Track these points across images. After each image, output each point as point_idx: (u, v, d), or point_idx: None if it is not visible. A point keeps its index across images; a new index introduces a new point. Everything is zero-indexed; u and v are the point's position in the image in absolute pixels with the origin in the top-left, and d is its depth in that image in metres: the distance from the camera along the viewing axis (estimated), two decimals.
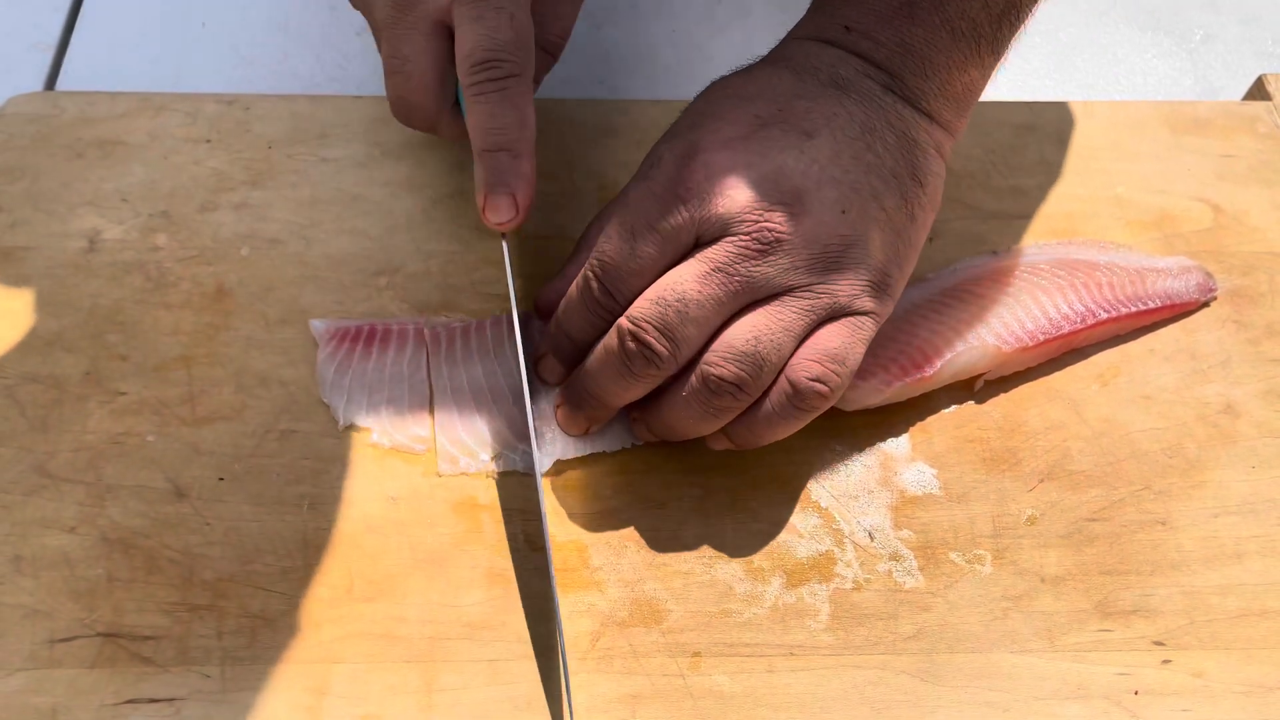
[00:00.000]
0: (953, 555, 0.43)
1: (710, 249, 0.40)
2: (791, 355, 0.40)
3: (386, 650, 0.40)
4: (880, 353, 0.44)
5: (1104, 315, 0.47)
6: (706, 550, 0.43)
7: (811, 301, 0.40)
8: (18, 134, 0.51)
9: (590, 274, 0.41)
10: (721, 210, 0.39)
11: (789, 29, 0.46)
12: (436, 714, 0.39)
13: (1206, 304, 0.50)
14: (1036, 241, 0.50)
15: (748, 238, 0.39)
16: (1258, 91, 0.57)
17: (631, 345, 0.40)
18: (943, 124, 0.43)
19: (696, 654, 0.41)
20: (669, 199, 0.40)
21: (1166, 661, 0.41)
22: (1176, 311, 0.49)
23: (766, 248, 0.39)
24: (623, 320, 0.40)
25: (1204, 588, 0.43)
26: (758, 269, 0.39)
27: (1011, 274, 0.48)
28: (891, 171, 0.41)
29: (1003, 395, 0.47)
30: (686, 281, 0.39)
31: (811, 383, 0.40)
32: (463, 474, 0.44)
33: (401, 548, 0.42)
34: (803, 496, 0.44)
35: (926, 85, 0.42)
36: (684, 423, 0.41)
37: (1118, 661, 0.41)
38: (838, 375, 0.40)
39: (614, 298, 0.41)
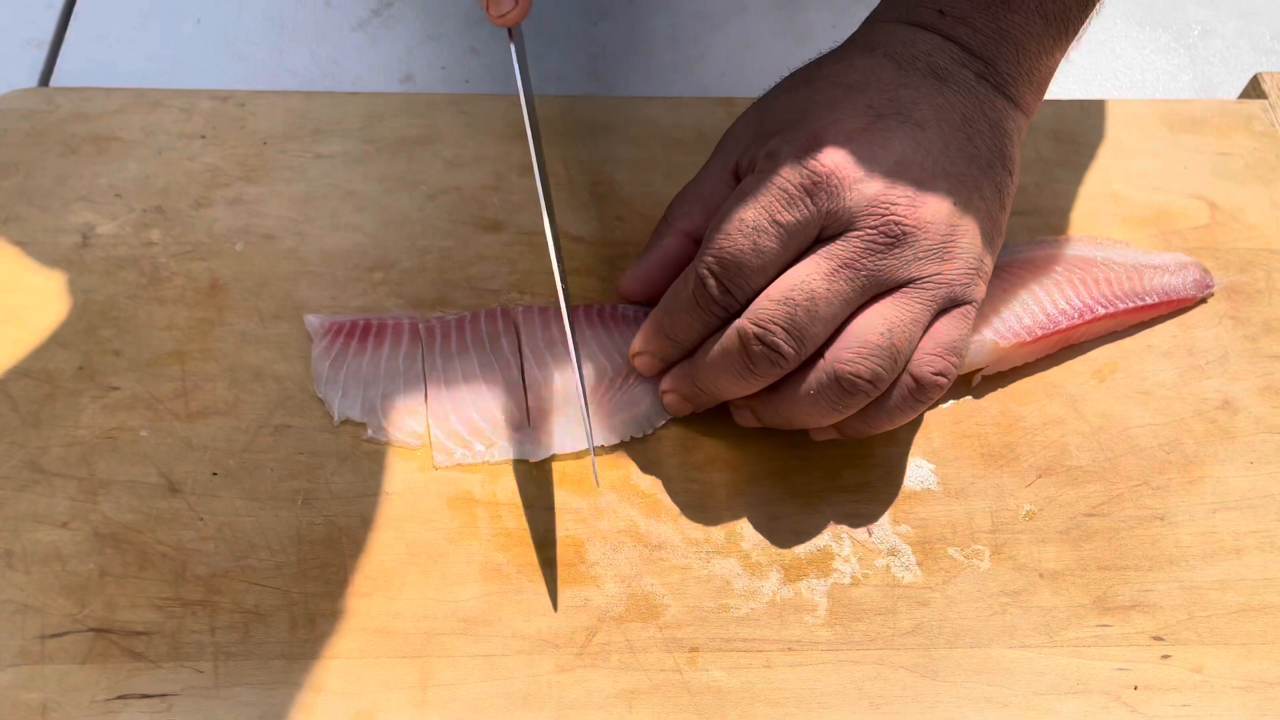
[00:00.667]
0: (951, 550, 0.43)
1: (837, 244, 0.39)
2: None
3: (381, 645, 0.40)
4: None
5: (1101, 311, 0.47)
6: (704, 545, 0.42)
7: (934, 292, 0.40)
8: (11, 130, 0.51)
9: (707, 271, 0.40)
10: (849, 204, 0.39)
11: (786, 26, 0.46)
12: (431, 709, 0.39)
13: (1204, 300, 0.49)
14: (1034, 238, 0.50)
15: (875, 231, 0.39)
16: (1253, 90, 0.57)
17: (757, 348, 0.39)
18: (1024, 109, 0.43)
19: (694, 649, 0.40)
20: (793, 193, 0.39)
21: (1166, 657, 0.41)
22: (1174, 308, 0.49)
23: (892, 240, 0.39)
24: (745, 323, 0.40)
25: (1203, 583, 0.43)
26: (884, 262, 0.39)
27: (1009, 271, 0.47)
28: (987, 162, 0.41)
29: (1001, 391, 0.47)
30: (814, 279, 0.39)
31: (935, 376, 0.40)
32: (458, 466, 0.43)
33: (396, 542, 0.42)
34: (801, 491, 0.44)
35: (1017, 71, 0.42)
36: (808, 417, 0.41)
37: (1117, 657, 0.41)
38: (956, 367, 0.41)
39: (734, 296, 0.40)
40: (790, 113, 0.42)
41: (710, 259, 0.40)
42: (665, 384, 0.44)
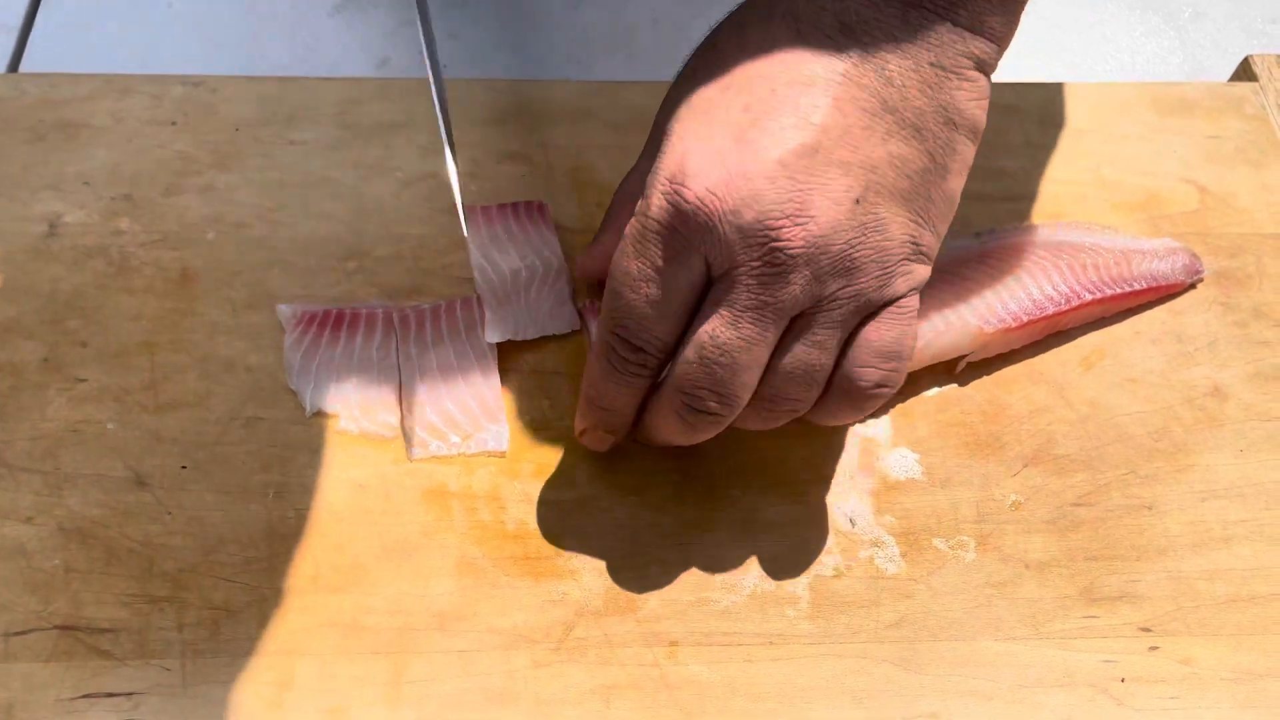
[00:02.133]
0: (935, 541, 0.42)
1: (729, 289, 0.36)
2: (843, 356, 0.37)
3: (353, 641, 0.39)
4: None
5: (1089, 297, 0.46)
6: (684, 538, 0.42)
7: (843, 309, 0.36)
8: None
9: (612, 335, 0.38)
10: (727, 237, 0.35)
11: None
12: (405, 706, 0.38)
13: (1193, 286, 0.49)
14: (1021, 223, 0.49)
15: (759, 264, 0.35)
16: (1244, 72, 0.56)
17: (693, 417, 0.37)
18: (986, 34, 0.36)
19: (673, 643, 0.40)
20: (668, 237, 0.36)
21: (1153, 648, 0.40)
22: (1162, 293, 0.48)
23: (781, 268, 0.35)
24: (674, 394, 0.37)
25: (1191, 573, 0.42)
26: (783, 293, 0.35)
27: (996, 256, 0.47)
28: (914, 126, 0.36)
29: (986, 378, 0.46)
30: (721, 332, 0.36)
31: (875, 390, 0.38)
32: (433, 458, 0.43)
33: (370, 536, 0.41)
34: (783, 482, 0.43)
35: None
36: (745, 428, 0.39)
37: (1104, 648, 0.40)
38: (896, 371, 0.38)
39: (646, 352, 0.38)
40: (673, 108, 0.38)
41: (610, 322, 0.38)
42: (634, 436, 0.41)
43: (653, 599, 0.40)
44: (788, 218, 0.35)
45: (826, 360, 0.37)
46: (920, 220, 0.37)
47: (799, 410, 0.38)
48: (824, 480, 0.43)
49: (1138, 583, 0.42)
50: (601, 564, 0.41)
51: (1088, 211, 0.50)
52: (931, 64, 0.36)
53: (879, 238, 0.36)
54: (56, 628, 0.39)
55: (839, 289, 0.36)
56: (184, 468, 0.42)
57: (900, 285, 0.37)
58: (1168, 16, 0.62)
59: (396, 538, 0.41)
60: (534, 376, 0.45)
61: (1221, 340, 0.47)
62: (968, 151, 0.38)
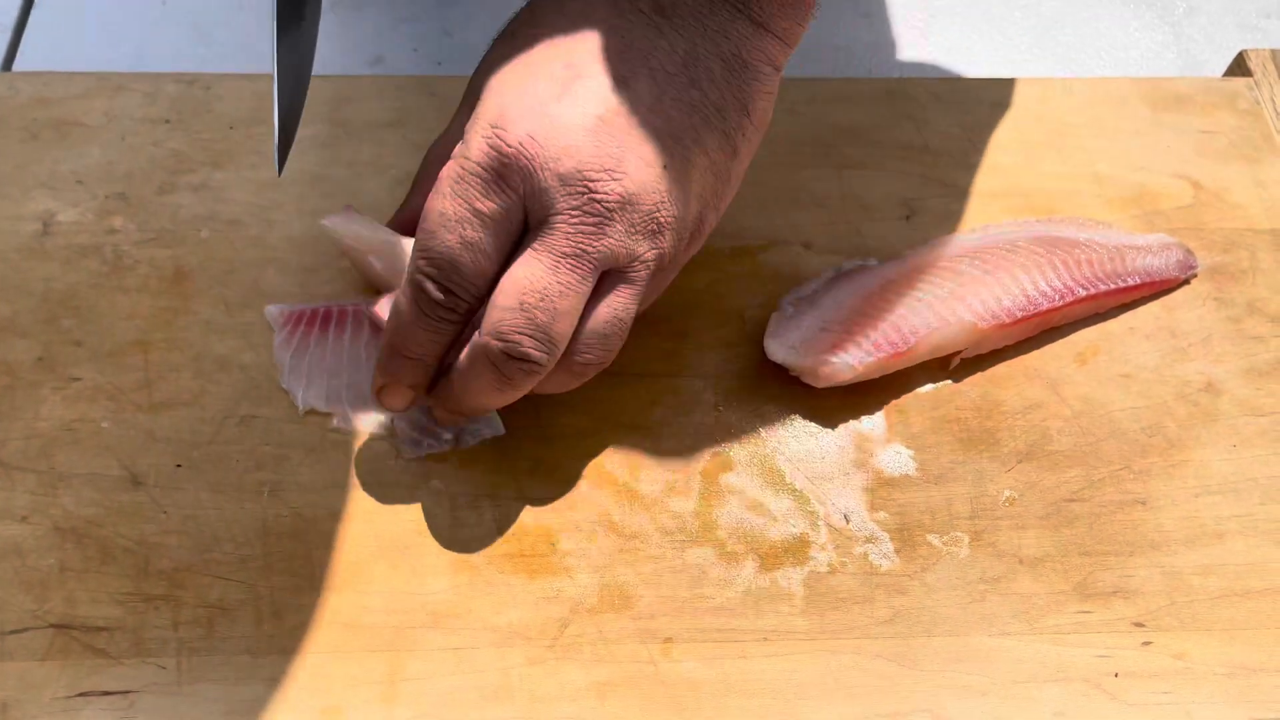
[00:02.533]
0: (930, 537, 0.42)
1: (547, 235, 0.37)
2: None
3: (349, 639, 0.39)
4: (853, 328, 0.43)
5: (1083, 293, 0.46)
6: (678, 534, 0.42)
7: (648, 270, 0.38)
8: None
9: (422, 276, 0.37)
10: (545, 184, 0.36)
11: None
12: (401, 704, 0.38)
13: (1187, 281, 0.49)
14: (1015, 219, 0.49)
15: (578, 213, 0.36)
16: (1238, 67, 0.56)
17: (510, 364, 0.37)
18: (779, 34, 0.39)
19: (668, 640, 0.40)
20: (485, 178, 0.37)
21: (1147, 643, 0.40)
22: (1156, 289, 0.48)
23: (599, 219, 0.37)
24: (489, 340, 0.37)
25: (1185, 568, 0.42)
26: (601, 243, 0.37)
27: (989, 252, 0.47)
28: (716, 106, 0.38)
29: (980, 375, 0.46)
30: (540, 276, 0.37)
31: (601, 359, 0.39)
32: (426, 456, 0.42)
33: (364, 535, 0.41)
34: (777, 478, 0.43)
35: None
36: (544, 392, 0.40)
37: (1097, 643, 0.40)
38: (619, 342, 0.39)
39: (458, 295, 0.38)
40: (490, 72, 0.39)
41: (421, 262, 0.38)
42: (433, 405, 0.41)
43: (647, 596, 0.40)
44: (605, 171, 0.37)
45: (629, 312, 0.38)
46: (710, 198, 0.39)
47: (601, 367, 0.39)
48: (816, 476, 0.43)
49: (1131, 578, 0.42)
50: (596, 561, 0.41)
51: (1081, 207, 0.50)
52: (733, 54, 0.38)
53: (680, 208, 0.38)
54: (52, 626, 0.39)
55: (645, 250, 0.38)
56: (179, 466, 0.42)
57: (683, 257, 0.40)
58: (1162, 11, 0.62)
59: (391, 536, 0.41)
60: None
61: (1215, 336, 0.47)
62: (756, 141, 0.40)
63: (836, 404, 0.45)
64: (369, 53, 0.56)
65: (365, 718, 0.38)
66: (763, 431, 0.44)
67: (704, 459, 0.43)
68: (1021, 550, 0.42)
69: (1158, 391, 0.46)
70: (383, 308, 0.43)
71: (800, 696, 0.39)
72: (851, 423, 0.44)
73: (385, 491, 0.42)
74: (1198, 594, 0.41)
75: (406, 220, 0.44)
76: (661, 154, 0.37)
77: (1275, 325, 0.48)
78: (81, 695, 0.38)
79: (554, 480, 0.43)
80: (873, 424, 0.44)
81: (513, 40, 0.40)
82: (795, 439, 0.44)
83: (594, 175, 0.36)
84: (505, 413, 0.44)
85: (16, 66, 0.55)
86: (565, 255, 0.37)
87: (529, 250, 0.37)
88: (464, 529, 0.41)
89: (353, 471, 0.42)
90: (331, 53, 0.56)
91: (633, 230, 0.37)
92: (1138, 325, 0.48)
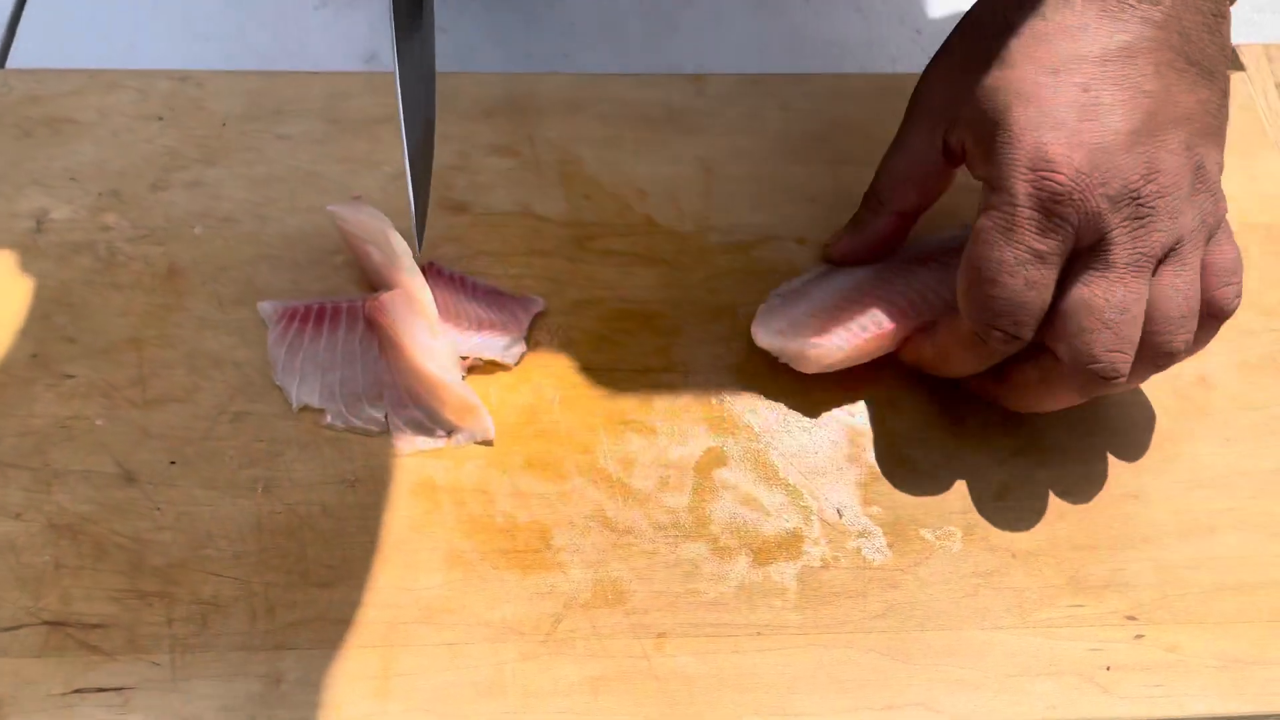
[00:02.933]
0: (923, 532, 0.42)
1: (1107, 251, 0.38)
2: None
3: (342, 635, 0.39)
4: (841, 314, 0.43)
5: None
6: (672, 530, 0.42)
7: (1197, 238, 0.40)
8: None
9: (989, 329, 0.39)
10: (1100, 208, 0.38)
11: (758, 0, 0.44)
12: (394, 699, 0.38)
13: None
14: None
15: (1131, 222, 0.38)
16: (1233, 62, 0.56)
17: (1102, 387, 0.39)
18: None
19: (661, 635, 0.40)
20: (1040, 221, 0.38)
21: (1139, 636, 0.40)
22: None
23: (1148, 218, 0.38)
24: (1079, 364, 0.39)
25: (1177, 562, 0.42)
26: (1152, 240, 0.39)
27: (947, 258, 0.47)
28: (1209, 71, 0.40)
29: None
30: (1114, 293, 0.38)
31: (1232, 304, 0.41)
32: (420, 452, 0.43)
33: (358, 531, 0.41)
34: (770, 473, 0.43)
35: None
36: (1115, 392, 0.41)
37: (1090, 637, 0.40)
38: (1241, 283, 0.41)
39: (1021, 338, 0.40)
40: (996, 96, 0.39)
41: (987, 314, 0.39)
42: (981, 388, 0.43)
43: (640, 591, 0.40)
44: (1143, 178, 0.38)
45: (1198, 289, 0.40)
46: (1221, 147, 0.41)
47: (1185, 349, 0.40)
48: (809, 471, 0.43)
49: (1123, 571, 0.42)
50: (589, 556, 0.41)
51: None
52: (1212, 13, 0.40)
53: (1206, 173, 0.40)
54: (46, 623, 0.39)
55: (1191, 223, 0.39)
56: (172, 463, 0.42)
57: (1223, 205, 0.41)
58: None
59: (385, 532, 0.41)
60: (520, 371, 0.45)
61: None
62: (1231, 76, 0.42)
63: (829, 399, 0.45)
64: (363, 49, 0.56)
65: (359, 713, 0.38)
66: (756, 426, 0.44)
67: (697, 454, 0.43)
68: (1014, 544, 0.42)
69: (1150, 385, 0.46)
70: (384, 303, 0.43)
71: (793, 690, 0.39)
72: (844, 417, 0.44)
73: (379, 488, 0.42)
74: (1190, 587, 0.41)
75: (859, 246, 0.45)
76: (1182, 137, 0.39)
77: (1268, 319, 0.48)
78: (76, 692, 0.38)
79: (547, 476, 0.43)
80: (865, 418, 0.44)
81: (994, 59, 0.40)
82: (788, 434, 0.44)
83: (1135, 185, 0.38)
84: (498, 410, 0.44)
85: (9, 64, 0.55)
86: (1129, 265, 0.38)
87: (1091, 270, 0.39)
88: (457, 525, 0.41)
89: (346, 468, 0.42)
90: (325, 49, 0.56)
91: (1175, 213, 0.39)
92: None
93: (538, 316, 0.46)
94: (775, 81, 0.53)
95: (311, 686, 0.38)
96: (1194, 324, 0.40)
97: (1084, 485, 0.43)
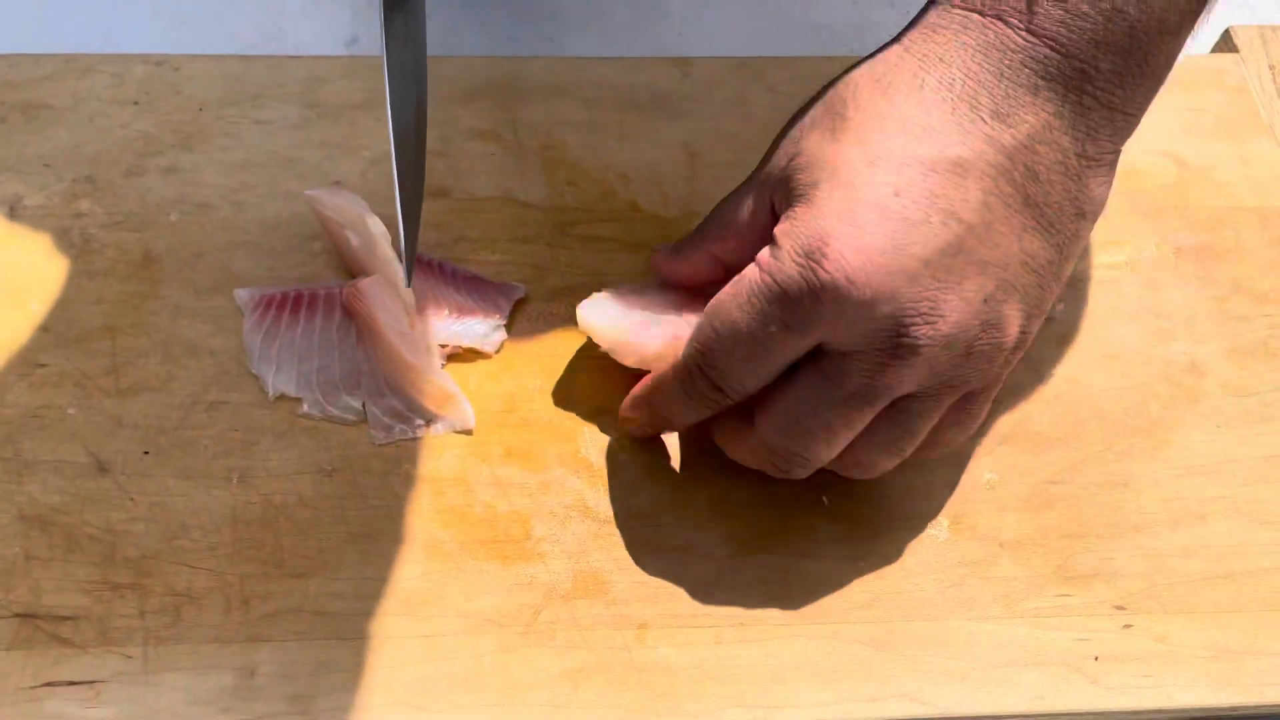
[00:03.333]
0: (909, 521, 0.42)
1: (838, 368, 0.35)
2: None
3: (318, 627, 0.38)
4: (667, 309, 0.42)
5: None
6: (654, 519, 0.41)
7: (944, 400, 0.36)
8: None
9: (695, 369, 0.38)
10: (855, 324, 0.34)
11: None
12: (370, 692, 0.38)
13: None
14: None
15: (881, 353, 0.34)
16: (1225, 44, 0.55)
17: (778, 474, 0.39)
18: (1131, 113, 0.35)
19: (643, 626, 0.39)
20: (791, 307, 0.35)
21: (1128, 626, 0.40)
22: None
23: (901, 362, 0.35)
24: (761, 451, 0.38)
25: (1166, 550, 0.41)
26: (894, 380, 0.35)
27: None
28: (1050, 221, 0.35)
29: None
30: (822, 409, 0.36)
31: (954, 444, 0.39)
32: (397, 442, 0.42)
33: (335, 521, 0.40)
34: None
35: (1126, 65, 0.34)
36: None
37: (1078, 626, 0.40)
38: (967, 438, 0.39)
39: (726, 394, 0.38)
40: (811, 169, 0.36)
41: (698, 354, 0.37)
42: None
43: (622, 581, 0.40)
44: (920, 316, 0.34)
45: (915, 443, 0.37)
46: (1034, 311, 0.36)
47: (862, 474, 0.39)
48: None
49: (1112, 560, 0.41)
50: (570, 547, 0.40)
51: None
52: (1078, 155, 0.35)
53: (997, 334, 0.35)
54: (17, 616, 0.38)
55: (951, 377, 0.36)
56: (146, 453, 0.41)
57: (1003, 375, 0.37)
58: None
59: (362, 522, 0.40)
60: (500, 359, 0.44)
61: (1200, 315, 0.47)
62: (1088, 235, 0.37)
63: None
64: (344, 33, 0.55)
65: (334, 706, 0.37)
66: None
67: (682, 444, 0.42)
68: (1002, 533, 0.41)
69: (1140, 372, 0.45)
70: (362, 290, 0.42)
71: (776, 682, 0.38)
72: None
73: (356, 477, 0.41)
74: (1179, 576, 0.41)
75: (677, 268, 0.42)
76: (984, 286, 0.34)
77: (1260, 305, 0.47)
78: (47, 685, 0.37)
79: (528, 465, 0.42)
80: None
81: (834, 130, 0.36)
82: None
83: (909, 320, 0.34)
84: (477, 399, 0.43)
85: None
86: (855, 393, 0.35)
87: (814, 374, 0.36)
88: (436, 515, 0.41)
89: (323, 457, 0.42)
90: (305, 33, 0.56)
91: (937, 368, 0.35)
92: (1121, 305, 0.47)
93: (519, 303, 0.45)
94: (762, 65, 0.52)
95: (286, 679, 0.37)
96: (891, 463, 0.38)
97: (1072, 473, 0.43)
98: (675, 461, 0.41)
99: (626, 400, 0.41)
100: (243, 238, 0.46)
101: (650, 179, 0.49)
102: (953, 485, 0.42)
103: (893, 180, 0.34)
